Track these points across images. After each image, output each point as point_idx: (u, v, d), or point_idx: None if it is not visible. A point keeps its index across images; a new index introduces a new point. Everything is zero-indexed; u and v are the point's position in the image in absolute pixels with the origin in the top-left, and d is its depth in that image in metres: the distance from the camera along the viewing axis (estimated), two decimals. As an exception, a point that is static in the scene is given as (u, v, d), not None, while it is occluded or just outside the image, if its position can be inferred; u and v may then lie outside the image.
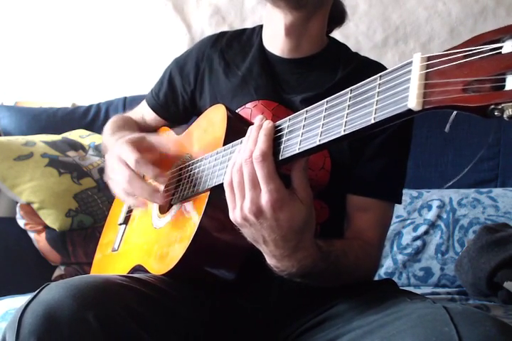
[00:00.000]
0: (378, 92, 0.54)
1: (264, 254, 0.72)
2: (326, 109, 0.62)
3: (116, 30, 2.24)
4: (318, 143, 0.60)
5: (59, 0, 2.26)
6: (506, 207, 1.65)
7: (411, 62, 0.51)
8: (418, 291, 1.02)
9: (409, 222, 1.70)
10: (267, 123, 0.70)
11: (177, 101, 1.15)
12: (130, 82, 2.17)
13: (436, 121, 1.73)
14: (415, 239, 1.66)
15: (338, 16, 1.09)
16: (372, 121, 0.53)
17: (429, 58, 0.49)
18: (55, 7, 2.26)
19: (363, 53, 1.07)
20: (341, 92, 0.61)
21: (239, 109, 1.00)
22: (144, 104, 1.23)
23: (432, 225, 1.67)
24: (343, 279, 0.85)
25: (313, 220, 0.71)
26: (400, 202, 0.99)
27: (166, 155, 1.09)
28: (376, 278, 0.99)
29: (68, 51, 2.27)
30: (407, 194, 1.76)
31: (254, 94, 1.01)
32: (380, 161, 0.95)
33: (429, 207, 1.71)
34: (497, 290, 1.35)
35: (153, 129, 1.22)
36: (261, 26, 1.08)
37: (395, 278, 1.60)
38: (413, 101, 0.48)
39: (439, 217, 1.68)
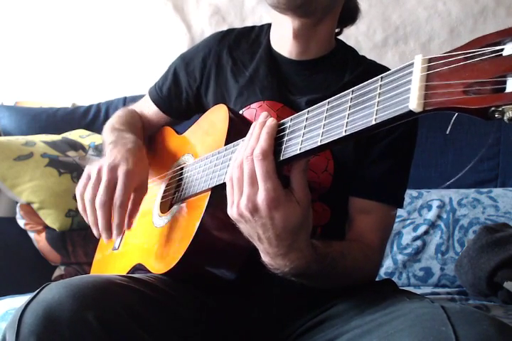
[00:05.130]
0: (379, 93, 0.54)
1: (259, 251, 0.73)
2: (327, 109, 0.62)
3: (116, 30, 2.24)
4: (319, 143, 0.60)
5: (59, 0, 2.26)
6: (506, 207, 1.66)
7: (412, 64, 0.51)
8: (418, 291, 1.02)
9: (409, 222, 1.70)
10: (270, 121, 0.70)
11: (180, 96, 1.13)
12: (130, 82, 2.16)
13: (437, 121, 1.72)
14: (415, 239, 1.66)
15: (349, 16, 1.07)
16: (373, 122, 0.53)
17: (430, 60, 0.49)
18: (55, 7, 2.26)
19: (363, 53, 1.07)
20: (343, 93, 0.61)
21: (244, 109, 1.00)
22: (146, 98, 1.21)
23: (432, 225, 1.67)
24: (341, 281, 0.85)
25: (309, 222, 0.71)
26: (401, 207, 0.99)
27: (168, 153, 1.09)
28: (376, 278, 0.99)
29: (68, 51, 2.27)
30: (407, 194, 1.75)
31: (259, 95, 1.00)
32: (384, 164, 0.95)
33: (429, 207, 1.71)
34: (497, 290, 1.35)
35: (155, 126, 1.21)
36: (269, 25, 1.07)
37: (395, 278, 1.60)
38: (414, 103, 0.48)
39: (439, 217, 1.68)
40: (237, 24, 2.15)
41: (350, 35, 2.04)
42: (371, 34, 2.09)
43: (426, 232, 1.66)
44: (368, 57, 1.07)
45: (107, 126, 1.12)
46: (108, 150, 0.97)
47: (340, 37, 1.09)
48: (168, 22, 2.20)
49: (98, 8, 2.24)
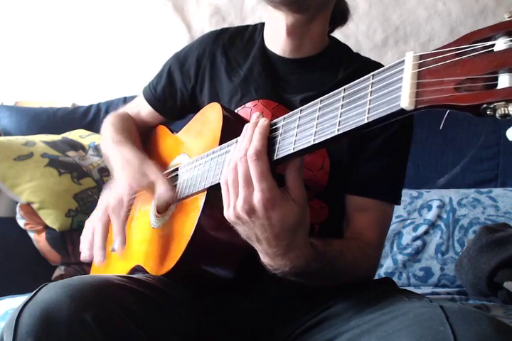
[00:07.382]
0: (371, 92, 0.54)
1: (258, 252, 0.73)
2: (319, 108, 0.62)
3: (116, 30, 2.24)
4: (312, 142, 0.60)
5: (59, 0, 2.26)
6: (506, 207, 1.65)
7: (403, 61, 0.50)
8: (418, 291, 1.01)
9: (409, 222, 1.70)
10: (263, 121, 0.70)
11: (175, 96, 1.13)
12: (130, 82, 2.16)
13: (437, 121, 1.73)
14: (415, 239, 1.66)
15: (340, 16, 1.08)
16: (366, 121, 0.53)
17: (421, 57, 0.49)
18: (55, 7, 2.26)
19: (363, 53, 1.07)
20: (335, 91, 0.61)
21: (239, 108, 1.00)
22: (140, 97, 1.21)
23: (432, 225, 1.67)
24: (340, 279, 0.85)
25: (306, 220, 0.71)
26: (399, 204, 0.98)
27: (163, 154, 1.09)
28: (376, 277, 0.99)
29: (68, 51, 2.27)
30: (407, 194, 1.75)
31: (254, 94, 1.00)
32: (380, 161, 0.95)
33: (429, 207, 1.71)
34: (497, 290, 1.35)
35: (150, 126, 1.21)
36: (263, 24, 1.08)
37: (395, 278, 1.60)
38: (405, 101, 0.48)
39: (439, 217, 1.68)
40: (237, 24, 2.13)
41: (350, 35, 2.04)
42: (371, 34, 2.09)
43: (426, 232, 1.66)
44: (368, 57, 1.06)
45: (106, 138, 1.13)
46: (116, 173, 1.02)
47: (340, 37, 1.08)
48: (168, 22, 2.20)
49: (98, 8, 2.24)
